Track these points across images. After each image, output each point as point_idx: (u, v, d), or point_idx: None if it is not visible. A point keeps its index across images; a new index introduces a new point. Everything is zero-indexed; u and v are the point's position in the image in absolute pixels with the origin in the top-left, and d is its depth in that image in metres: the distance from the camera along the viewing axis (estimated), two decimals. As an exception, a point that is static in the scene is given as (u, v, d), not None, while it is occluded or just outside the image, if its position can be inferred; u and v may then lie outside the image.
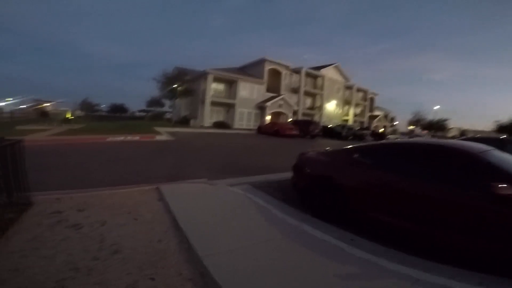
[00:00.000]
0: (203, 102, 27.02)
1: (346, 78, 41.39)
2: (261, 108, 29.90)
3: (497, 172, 2.54)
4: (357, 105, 44.49)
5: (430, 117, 53.66)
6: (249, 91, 29.33)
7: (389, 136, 36.81)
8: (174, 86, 25.61)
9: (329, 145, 17.18)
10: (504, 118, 37.77)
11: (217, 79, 27.86)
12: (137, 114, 55.78)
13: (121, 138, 13.00)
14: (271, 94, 30.50)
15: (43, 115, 26.44)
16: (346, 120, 40.87)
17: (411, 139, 3.91)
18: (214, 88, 28.04)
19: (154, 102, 43.24)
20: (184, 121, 26.98)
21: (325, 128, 26.05)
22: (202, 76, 27.46)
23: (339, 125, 29.20)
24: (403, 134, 43.04)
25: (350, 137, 24.92)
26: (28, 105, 43.94)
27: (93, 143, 11.19)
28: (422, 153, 3.17)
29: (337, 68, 40.06)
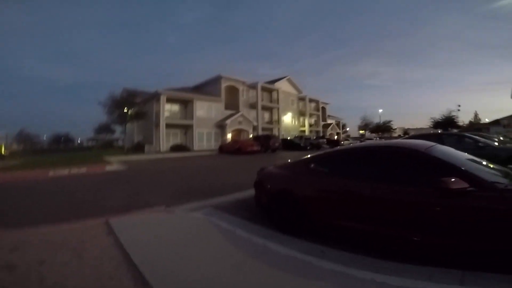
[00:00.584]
0: (157, 125, 25.67)
1: (298, 90, 43.57)
2: (221, 127, 29.53)
3: (445, 167, 2.66)
4: (311, 115, 46.98)
5: (376, 120, 58.86)
6: (206, 110, 28.80)
7: (343, 142, 39.40)
8: (123, 109, 23.67)
9: (289, 157, 17.53)
10: (436, 115, 43.06)
11: (171, 100, 26.88)
12: (85, 144, 51.06)
13: (65, 172, 11.58)
14: (230, 112, 30.38)
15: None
16: (303, 131, 42.74)
17: (361, 143, 4.10)
18: (169, 109, 27.00)
19: (103, 129, 40.05)
20: (138, 148, 25.16)
21: (284, 140, 26.84)
22: (154, 97, 26.21)
23: (297, 137, 30.41)
24: (355, 139, 46.33)
25: (308, 147, 25.96)
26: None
27: (32, 180, 9.74)
28: (373, 155, 3.30)
29: (290, 81, 41.95)
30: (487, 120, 46.43)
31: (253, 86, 34.37)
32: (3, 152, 22.79)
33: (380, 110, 60.97)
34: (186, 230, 3.60)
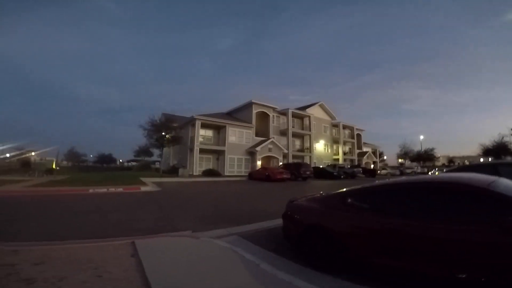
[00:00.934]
0: (191, 149, 26.73)
1: (331, 116, 42.22)
2: (251, 154, 29.77)
3: None
4: (345, 142, 44.89)
5: (416, 148, 54.57)
6: (238, 136, 29.33)
7: (380, 171, 36.90)
8: (161, 133, 25.16)
9: (321, 186, 17.10)
10: (485, 141, 38.52)
11: (205, 125, 27.86)
12: (126, 164, 54.88)
13: (103, 190, 12.37)
14: (260, 138, 30.60)
15: (25, 165, 25.42)
16: (337, 159, 41.09)
17: (409, 178, 3.70)
18: (202, 134, 27.93)
19: (142, 151, 42.77)
20: (172, 171, 26.27)
21: (316, 169, 26.00)
22: (189, 122, 27.39)
23: (330, 165, 29.32)
24: (393, 168, 43.24)
25: (342, 176, 24.77)
26: (11, 153, 42.56)
27: (73, 195, 10.53)
28: (424, 192, 2.96)
29: (322, 107, 40.95)
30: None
31: (283, 113, 34.36)
32: (53, 167, 25.19)
33: (421, 137, 56.67)
34: (209, 259, 3.46)
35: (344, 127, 44.77)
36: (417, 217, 2.69)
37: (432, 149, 53.77)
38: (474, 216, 2.44)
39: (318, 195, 4.20)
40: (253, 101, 30.69)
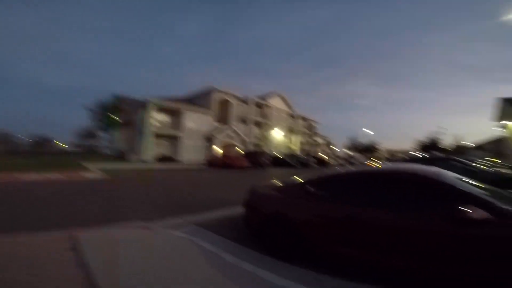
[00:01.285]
0: (143, 134, 24.99)
1: (290, 107, 43.59)
2: (210, 140, 29.07)
3: (461, 195, 2.49)
4: (301, 133, 47.09)
5: (363, 141, 59.79)
6: (196, 122, 28.39)
7: (331, 161, 39.54)
8: (110, 116, 22.81)
9: (279, 174, 17.52)
10: (421, 137, 43.68)
11: (160, 110, 26.37)
12: (68, 148, 49.01)
13: (39, 177, 10.77)
14: (221, 125, 30.07)
15: None
16: (293, 149, 42.68)
17: (365, 168, 3.82)
18: (157, 119, 26.43)
19: (87, 135, 38.51)
20: (121, 156, 24.26)
21: (274, 157, 26.57)
22: (143, 105, 25.61)
23: (287, 154, 30.20)
24: (342, 159, 46.56)
25: (298, 165, 25.77)
26: None
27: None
28: (381, 181, 3.05)
29: (282, 98, 41.96)
30: (469, 144, 47.78)
31: (245, 101, 34.28)
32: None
33: (368, 131, 62.14)
34: (164, 251, 3.18)
35: (301, 118, 46.82)
36: (372, 206, 2.76)
37: (375, 143, 59.59)
38: (426, 206, 2.56)
39: (279, 183, 4.15)
40: (214, 87, 30.05)
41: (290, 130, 43.56)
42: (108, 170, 14.39)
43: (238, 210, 5.78)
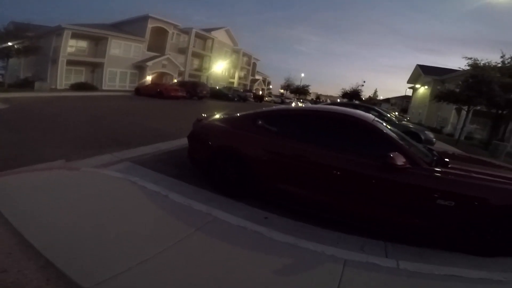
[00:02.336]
0: (55, 61, 21.13)
1: (234, 43, 41.79)
2: (139, 68, 25.99)
3: (389, 142, 2.64)
4: (242, 68, 46.04)
5: (297, 83, 62.55)
6: (124, 50, 25.01)
7: (266, 98, 40.83)
8: (6, 43, 17.96)
9: (217, 106, 16.95)
10: (346, 87, 48.54)
11: (78, 36, 22.30)
12: None
13: None
14: (154, 54, 26.90)
15: None
16: (232, 83, 41.69)
17: (312, 106, 3.84)
18: (74, 45, 22.59)
19: None
20: (24, 84, 19.71)
21: (212, 89, 25.58)
22: (54, 32, 21.34)
23: (226, 87, 29.38)
24: (276, 96, 48.33)
25: (236, 99, 25.58)
26: None
27: None
28: (324, 120, 3.09)
29: (227, 32, 39.82)
30: (381, 97, 55.69)
31: (186, 31, 31.44)
32: None
33: (302, 74, 64.71)
34: (98, 194, 2.75)
35: (244, 54, 45.58)
36: (314, 144, 2.81)
37: (307, 86, 63.21)
38: (360, 148, 2.71)
39: (229, 114, 3.89)
40: (149, 15, 26.14)
41: (231, 65, 41.80)
42: (8, 99, 10.93)
43: (177, 143, 5.40)
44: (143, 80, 24.89)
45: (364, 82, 48.23)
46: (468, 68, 14.65)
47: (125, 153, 4.45)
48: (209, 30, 36.11)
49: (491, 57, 14.67)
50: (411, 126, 9.47)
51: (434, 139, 8.93)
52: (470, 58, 14.47)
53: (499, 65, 13.80)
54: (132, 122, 7.87)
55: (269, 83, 67.21)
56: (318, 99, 70.93)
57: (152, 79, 25.84)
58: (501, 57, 13.78)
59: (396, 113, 28.87)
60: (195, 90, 20.95)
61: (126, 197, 2.77)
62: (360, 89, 47.43)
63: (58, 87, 20.70)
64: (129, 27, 26.71)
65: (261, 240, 2.20)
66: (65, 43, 21.36)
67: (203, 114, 3.99)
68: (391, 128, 3.35)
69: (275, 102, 37.80)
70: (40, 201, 2.46)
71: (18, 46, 19.02)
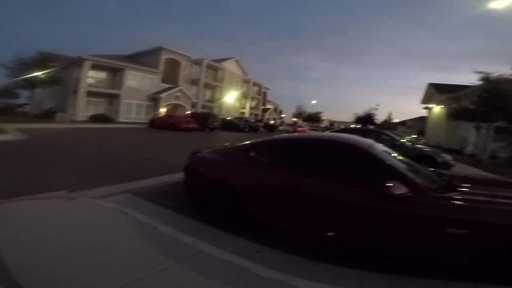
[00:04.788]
0: (75, 92, 22.18)
1: (244, 72, 43.09)
2: (154, 100, 27.15)
3: (387, 169, 2.50)
4: (252, 98, 47.13)
5: (309, 110, 63.26)
6: (139, 81, 26.31)
7: (279, 127, 41.19)
8: (33, 73, 19.42)
9: (228, 137, 17.32)
10: (359, 111, 48.63)
11: (97, 67, 23.62)
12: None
13: None
14: (168, 85, 28.19)
15: None
16: (243, 113, 42.64)
17: (304, 134, 3.78)
18: (93, 76, 23.84)
19: (4, 93, 31.15)
20: (47, 115, 20.97)
21: (224, 120, 26.23)
22: (76, 62, 22.64)
23: (237, 118, 30.11)
24: (288, 125, 48.81)
25: (247, 129, 26.00)
26: None
27: None
28: (316, 149, 2.98)
29: (237, 62, 41.13)
30: (397, 120, 54.69)
31: (197, 63, 32.83)
32: None
33: (314, 101, 65.81)
34: (87, 224, 2.75)
35: (254, 84, 46.73)
36: (307, 175, 2.67)
37: (319, 113, 63.76)
38: (355, 177, 2.55)
39: (223, 146, 3.89)
40: (162, 46, 27.81)
41: (242, 95, 43.11)
42: (29, 130, 11.90)
43: (179, 175, 5.41)
44: (157, 112, 25.93)
45: (378, 105, 48.09)
46: (480, 82, 14.04)
47: (127, 185, 4.53)
48: (219, 61, 37.38)
49: (501, 69, 13.99)
50: (426, 149, 9.09)
51: (452, 162, 8.46)
52: (481, 72, 13.90)
53: None
54: (142, 155, 8.13)
55: (281, 112, 68.37)
56: (331, 125, 71.05)
57: (166, 111, 26.89)
58: None
59: (414, 136, 28.07)
60: (207, 122, 21.61)
61: (114, 227, 2.74)
62: (373, 113, 47.20)
63: (78, 118, 21.52)
64: (144, 59, 28.02)
65: (245, 275, 2.04)
66: (85, 73, 22.33)
67: (199, 147, 4.05)
68: (394, 153, 3.21)
69: (287, 131, 37.95)
70: (30, 227, 2.51)
71: (44, 76, 20.41)
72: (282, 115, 68.88)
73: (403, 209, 2.21)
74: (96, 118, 21.38)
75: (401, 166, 2.71)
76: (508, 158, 15.70)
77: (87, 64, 22.31)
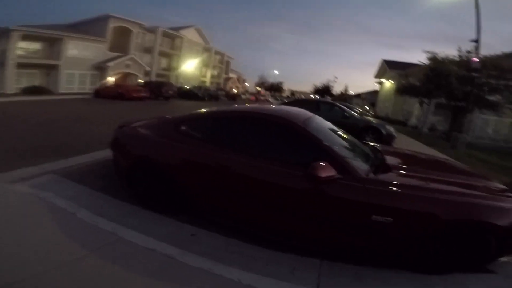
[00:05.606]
0: (3, 64, 19.68)
1: (206, 41, 41.37)
2: (100, 69, 24.89)
3: (319, 147, 2.29)
4: (214, 67, 45.47)
5: (271, 80, 63.45)
6: (82, 50, 23.92)
7: (242, 95, 40.69)
8: None
9: (184, 106, 16.43)
10: (318, 83, 50.08)
11: (29, 37, 20.99)
12: None
13: None
14: (117, 54, 25.85)
15: None
16: (204, 82, 40.94)
17: (240, 107, 3.46)
18: (24, 47, 21.29)
19: None
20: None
21: (181, 89, 24.84)
22: (3, 34, 19.89)
23: (196, 87, 28.70)
24: (251, 94, 48.40)
25: (206, 98, 25.05)
26: None
27: None
28: (248, 123, 2.72)
29: (198, 31, 39.45)
30: (352, 93, 57.43)
31: (152, 30, 30.70)
32: None
33: (276, 72, 65.68)
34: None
35: (216, 53, 45.09)
36: (237, 152, 2.46)
37: (281, 83, 64.40)
38: (285, 155, 2.38)
39: (154, 119, 3.45)
40: (110, 14, 25.28)
41: (203, 64, 41.11)
42: None
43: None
44: (104, 81, 23.67)
45: (337, 78, 50.23)
46: (428, 62, 15.04)
47: (55, 164, 3.92)
48: (178, 29, 35.52)
49: (450, 52, 14.99)
50: (373, 121, 9.58)
51: (395, 133, 9.10)
52: (429, 52, 14.87)
53: (457, 59, 14.15)
54: (80, 129, 7.25)
55: (244, 81, 67.00)
56: (292, 95, 72.24)
57: (115, 80, 24.63)
58: (458, 51, 14.15)
59: (366, 108, 29.80)
60: (160, 90, 20.22)
61: (28, 215, 2.35)
62: (331, 85, 48.94)
63: (8, 91, 19.18)
64: (89, 28, 25.50)
65: (169, 264, 1.88)
66: (14, 45, 20.05)
67: (128, 119, 3.58)
68: (337, 129, 3.10)
69: (250, 100, 37.49)
70: None
71: None
72: (246, 84, 67.73)
73: (330, 192, 2.08)
74: (30, 90, 18.88)
75: (337, 144, 2.59)
76: (444, 131, 17.65)
77: (15, 35, 19.90)
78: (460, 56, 14.08)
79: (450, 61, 14.19)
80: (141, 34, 29.28)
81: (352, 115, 9.32)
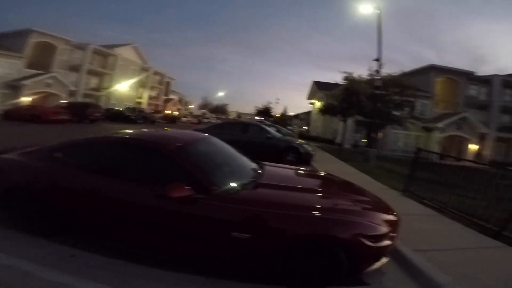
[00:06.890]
0: None
1: (144, 60, 39.88)
2: (14, 88, 21.88)
3: (181, 170, 2.45)
4: (153, 88, 43.72)
5: (215, 102, 64.20)
6: None
7: (182, 118, 39.64)
8: None
9: (109, 129, 15.31)
10: (261, 105, 52.88)
11: None
12: None
13: None
14: (36, 71, 23.25)
15: None
16: (140, 103, 38.93)
17: (113, 135, 3.57)
18: None
19: None
20: None
21: (112, 110, 23.23)
22: None
23: (129, 108, 27.18)
24: (194, 116, 47.97)
25: (140, 121, 23.79)
26: None
27: None
28: (117, 148, 2.91)
29: (135, 49, 37.82)
30: (292, 114, 62.08)
31: (81, 47, 28.67)
32: None
33: (221, 93, 67.20)
34: None
35: (156, 73, 43.75)
36: (106, 177, 2.57)
37: (226, 105, 65.78)
38: (149, 177, 2.53)
39: (30, 146, 3.39)
40: (32, 28, 23.07)
41: (140, 84, 39.21)
42: None
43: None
44: (17, 101, 20.67)
45: (279, 99, 54.02)
46: (344, 81, 15.62)
47: None
48: (113, 47, 33.69)
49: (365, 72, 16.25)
50: (293, 142, 10.18)
51: (312, 152, 9.88)
52: (345, 72, 15.50)
53: (368, 77, 14.89)
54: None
55: (187, 103, 66.09)
56: (239, 117, 74.26)
57: (33, 100, 21.80)
58: (368, 70, 14.80)
59: (290, 128, 31.76)
60: (85, 112, 18.60)
61: None
62: (271, 107, 52.23)
63: None
64: (7, 42, 22.63)
65: (28, 279, 1.91)
66: None
67: (8, 146, 3.44)
68: (222, 149, 3.39)
69: (192, 123, 36.31)
70: None
71: None
72: (191, 106, 66.84)
73: (191, 210, 2.23)
74: None
75: (208, 165, 2.80)
76: (364, 146, 20.03)
77: None
78: (371, 74, 14.57)
79: (361, 80, 15.01)
80: (68, 51, 27.05)
81: (275, 136, 9.99)
